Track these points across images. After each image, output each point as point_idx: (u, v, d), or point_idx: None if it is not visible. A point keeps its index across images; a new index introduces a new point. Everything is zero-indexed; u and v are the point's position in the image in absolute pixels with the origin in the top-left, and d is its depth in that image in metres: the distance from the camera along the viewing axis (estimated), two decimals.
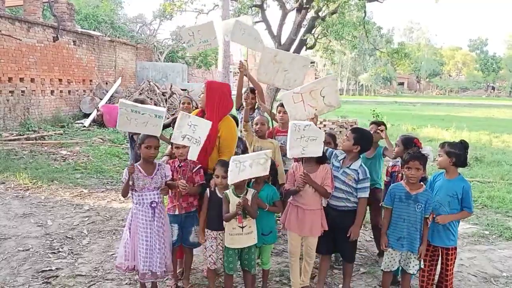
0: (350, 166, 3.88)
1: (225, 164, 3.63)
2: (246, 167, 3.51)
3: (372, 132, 4.54)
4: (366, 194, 3.82)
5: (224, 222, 3.69)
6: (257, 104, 5.34)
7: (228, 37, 4.70)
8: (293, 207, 3.97)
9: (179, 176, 3.81)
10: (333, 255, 4.37)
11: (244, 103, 5.11)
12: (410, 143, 4.23)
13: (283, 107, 5.10)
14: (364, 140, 3.92)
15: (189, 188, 3.78)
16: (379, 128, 4.73)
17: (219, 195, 3.73)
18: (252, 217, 3.67)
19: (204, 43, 4.61)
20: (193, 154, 3.76)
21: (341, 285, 4.17)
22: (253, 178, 3.76)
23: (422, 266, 3.85)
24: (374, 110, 12.41)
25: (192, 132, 3.72)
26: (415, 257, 3.75)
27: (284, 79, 4.41)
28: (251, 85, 5.24)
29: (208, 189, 3.81)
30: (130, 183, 3.61)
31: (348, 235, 3.84)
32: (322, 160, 3.89)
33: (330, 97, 4.08)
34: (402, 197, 3.75)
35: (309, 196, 3.87)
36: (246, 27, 4.51)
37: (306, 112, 4.11)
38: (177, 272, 4.18)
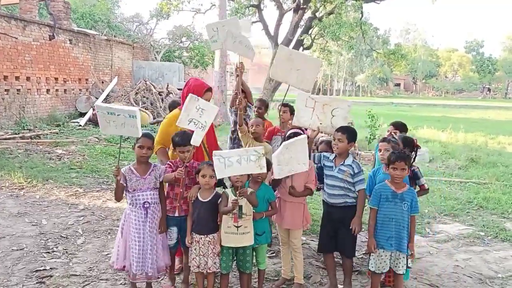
0: (344, 163, 3.95)
1: (212, 165, 3.64)
2: (233, 162, 3.47)
3: (387, 134, 4.65)
4: (363, 186, 3.90)
5: (221, 220, 3.69)
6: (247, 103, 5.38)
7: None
8: (277, 198, 4.10)
9: (183, 177, 3.73)
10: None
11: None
12: (409, 143, 4.31)
13: (285, 106, 5.14)
14: (354, 136, 4.02)
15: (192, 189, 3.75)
16: (393, 131, 4.74)
17: (200, 198, 3.70)
18: (254, 205, 3.65)
19: None
20: (197, 140, 3.67)
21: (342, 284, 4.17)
22: (249, 175, 3.73)
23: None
24: (370, 111, 12.39)
25: (199, 116, 3.66)
26: (403, 257, 3.77)
27: (298, 77, 4.45)
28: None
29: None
30: (123, 183, 3.60)
31: (350, 228, 3.89)
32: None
33: (337, 120, 4.13)
34: (389, 196, 3.78)
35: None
36: (238, 35, 4.58)
37: (310, 121, 4.17)
38: (176, 268, 4.15)
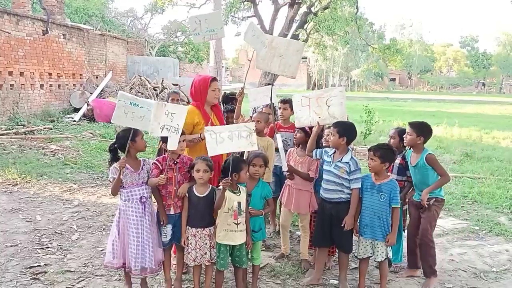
0: (341, 159, 3.96)
1: (206, 159, 3.64)
2: (224, 139, 3.49)
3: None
4: (358, 185, 3.92)
5: (217, 218, 3.70)
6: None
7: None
8: (286, 185, 4.56)
9: (175, 174, 3.74)
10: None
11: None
12: (403, 135, 4.36)
13: (284, 103, 5.14)
14: (347, 130, 4.00)
15: (182, 186, 3.73)
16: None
17: (196, 193, 3.69)
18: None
19: (210, 32, 4.50)
20: (173, 144, 3.59)
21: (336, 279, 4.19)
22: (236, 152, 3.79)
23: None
24: (366, 106, 12.40)
25: (170, 121, 3.58)
26: (381, 245, 3.89)
27: (280, 64, 4.47)
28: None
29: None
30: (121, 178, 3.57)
31: (343, 225, 3.92)
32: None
33: (334, 108, 4.14)
34: (368, 186, 3.93)
35: (298, 177, 4.39)
36: (257, 30, 4.61)
37: (310, 118, 4.22)
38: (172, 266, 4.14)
